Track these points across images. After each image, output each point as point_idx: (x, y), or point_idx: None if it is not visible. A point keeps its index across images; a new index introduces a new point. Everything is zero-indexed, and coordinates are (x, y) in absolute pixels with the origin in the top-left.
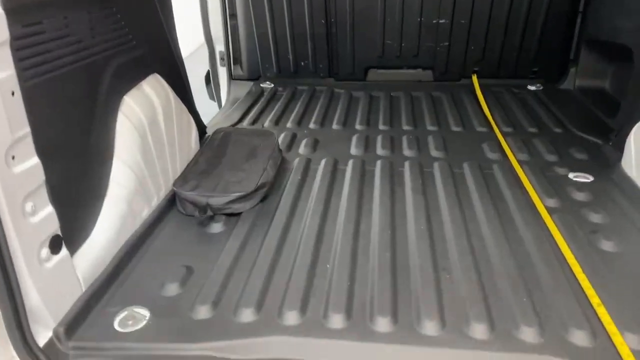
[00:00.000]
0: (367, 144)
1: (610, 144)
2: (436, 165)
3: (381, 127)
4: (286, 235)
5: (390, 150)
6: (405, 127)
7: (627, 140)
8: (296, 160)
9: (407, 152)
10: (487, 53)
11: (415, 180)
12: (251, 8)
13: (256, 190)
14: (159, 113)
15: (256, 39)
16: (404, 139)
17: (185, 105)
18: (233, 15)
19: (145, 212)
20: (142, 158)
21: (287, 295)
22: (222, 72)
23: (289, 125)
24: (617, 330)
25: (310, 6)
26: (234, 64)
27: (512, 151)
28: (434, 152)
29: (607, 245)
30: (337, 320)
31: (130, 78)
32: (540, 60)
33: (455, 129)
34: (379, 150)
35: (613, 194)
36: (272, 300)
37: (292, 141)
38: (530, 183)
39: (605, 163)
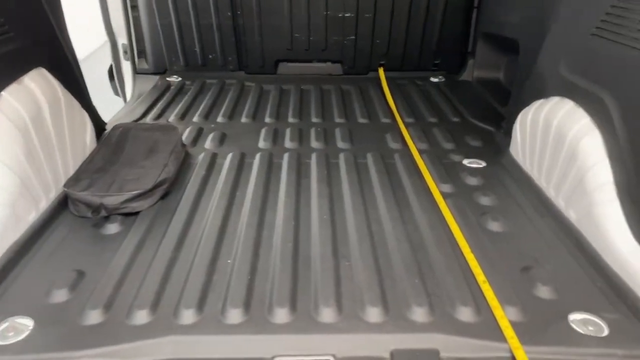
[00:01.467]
0: (276, 137)
1: (502, 131)
2: (342, 156)
3: (290, 120)
4: (187, 232)
5: (298, 142)
6: (314, 120)
7: (514, 127)
8: (201, 155)
9: (314, 144)
10: (391, 47)
11: (320, 171)
12: None
13: (155, 187)
14: (45, 110)
15: (160, 30)
16: (312, 132)
17: (79, 100)
18: (135, 7)
19: (32, 215)
20: (26, 158)
21: (184, 293)
22: (127, 66)
23: (195, 119)
24: (499, 304)
25: None
26: (138, 57)
27: (412, 141)
28: (341, 144)
29: (494, 226)
30: (234, 315)
31: (8, 72)
32: (441, 53)
33: (361, 120)
34: (287, 143)
35: (502, 178)
36: (168, 300)
37: (198, 135)
38: (428, 170)
39: (497, 149)
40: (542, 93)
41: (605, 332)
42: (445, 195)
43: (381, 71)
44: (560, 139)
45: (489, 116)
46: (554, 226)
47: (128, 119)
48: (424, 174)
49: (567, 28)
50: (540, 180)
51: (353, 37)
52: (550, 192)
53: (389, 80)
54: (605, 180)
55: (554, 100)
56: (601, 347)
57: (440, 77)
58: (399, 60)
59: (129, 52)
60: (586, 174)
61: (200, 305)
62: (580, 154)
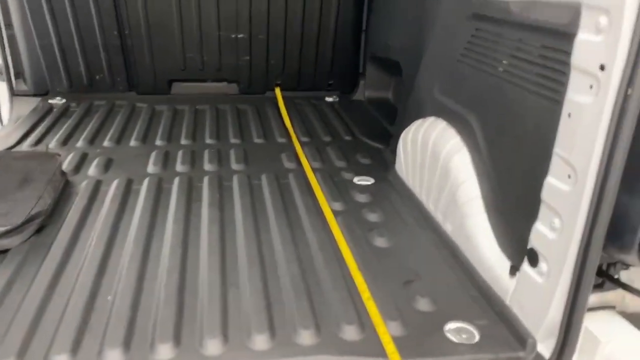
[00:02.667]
0: (167, 160)
1: (389, 148)
2: (236, 178)
3: (183, 142)
4: (63, 269)
5: (190, 165)
6: (209, 141)
7: (398, 145)
8: (84, 183)
9: (207, 166)
10: (287, 67)
11: (212, 195)
12: (29, 17)
13: (26, 222)
14: None
15: (39, 50)
16: (206, 154)
17: None
18: (9, 25)
19: None
20: None
21: (57, 337)
22: (2, 88)
23: (79, 144)
24: (382, 321)
25: (99, 16)
26: (15, 78)
27: (307, 160)
28: (235, 165)
29: (380, 242)
30: (113, 356)
31: None
32: (335, 74)
33: (257, 140)
34: (179, 167)
35: (388, 194)
36: (38, 346)
37: (82, 162)
38: (321, 189)
39: (385, 166)
40: (420, 113)
41: (477, 338)
42: (336, 214)
43: (278, 91)
44: (435, 157)
45: (378, 134)
46: (433, 239)
47: (1, 146)
48: (316, 192)
49: (439, 54)
50: (421, 195)
51: (247, 57)
52: (430, 207)
53: (286, 100)
54: (473, 195)
55: (430, 120)
56: (472, 354)
57: (334, 96)
58: (295, 81)
59: (4, 72)
60: (458, 190)
61: (74, 349)
62: (452, 171)
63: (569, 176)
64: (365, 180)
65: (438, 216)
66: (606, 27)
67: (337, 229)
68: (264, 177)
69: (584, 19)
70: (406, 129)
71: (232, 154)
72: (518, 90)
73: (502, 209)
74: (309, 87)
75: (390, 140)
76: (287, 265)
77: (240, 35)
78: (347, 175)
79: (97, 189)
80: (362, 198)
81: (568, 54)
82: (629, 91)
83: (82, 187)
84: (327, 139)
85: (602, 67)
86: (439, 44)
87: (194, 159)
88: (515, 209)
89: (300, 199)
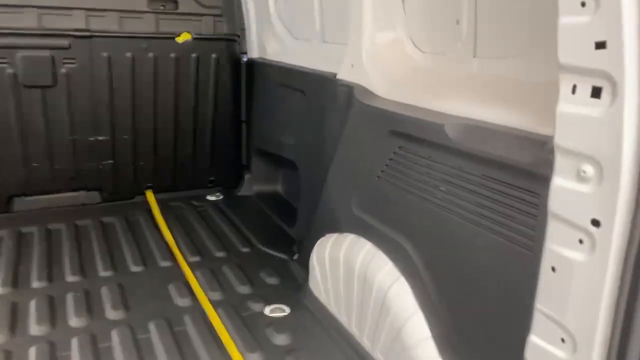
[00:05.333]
0: (14, 318)
1: (294, 258)
2: (115, 334)
3: (35, 284)
4: None
5: (49, 323)
6: (70, 279)
7: (310, 260)
8: None
9: (73, 321)
10: (159, 167)
11: None
12: None
13: None
14: None
15: None
16: (69, 300)
17: None
18: None
19: None
20: None
21: None
22: None
23: None
24: None
25: None
26: None
27: (203, 290)
28: (111, 314)
29: None
30: None
31: None
32: (216, 169)
33: (135, 269)
34: (33, 328)
35: (312, 330)
36: None
37: None
38: (229, 334)
39: (297, 285)
40: (334, 227)
41: None
42: None
43: (150, 195)
44: (367, 285)
45: (278, 241)
46: None
47: None
48: (224, 342)
49: (351, 167)
50: (351, 327)
51: (111, 161)
52: (365, 342)
53: (161, 204)
54: (423, 336)
55: (350, 237)
56: None
57: (217, 194)
58: (170, 181)
59: None
60: (402, 329)
61: None
62: (392, 306)
63: (563, 340)
64: (279, 311)
65: (378, 356)
66: (594, 178)
67: None
68: (152, 327)
69: (560, 162)
70: (319, 244)
71: (105, 296)
72: (465, 224)
73: (462, 354)
74: (187, 186)
75: (292, 246)
76: None
77: (100, 138)
78: (256, 307)
79: None
80: (281, 340)
81: (536, 195)
82: None
83: None
84: (221, 254)
85: (595, 223)
86: (350, 156)
87: (52, 312)
88: (478, 354)
89: (205, 353)
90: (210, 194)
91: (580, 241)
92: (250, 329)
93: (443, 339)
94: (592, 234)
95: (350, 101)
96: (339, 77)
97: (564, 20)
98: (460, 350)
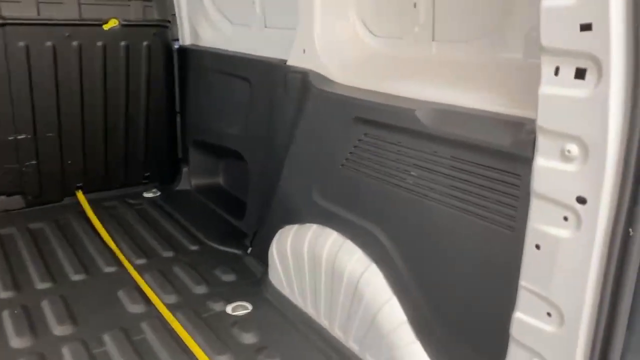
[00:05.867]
0: None
1: (249, 252)
2: (66, 352)
3: None
4: None
5: None
6: (3, 295)
7: (270, 253)
8: None
9: (15, 342)
10: (89, 165)
11: None
12: None
13: None
14: None
15: None
16: (5, 318)
17: None
18: None
19: None
20: None
21: None
22: None
23: None
24: None
25: None
26: None
27: (157, 295)
28: (58, 329)
29: None
30: None
31: None
32: (150, 163)
33: (76, 277)
34: None
35: (278, 325)
36: None
37: None
38: (193, 338)
39: (255, 281)
40: (294, 218)
41: None
42: None
43: (80, 195)
44: (336, 275)
45: (227, 235)
46: None
47: None
48: (190, 347)
49: (311, 156)
50: (321, 319)
51: (34, 161)
52: (337, 333)
53: (93, 204)
54: (399, 321)
55: (313, 227)
56: None
57: (154, 190)
58: (101, 179)
59: None
60: (377, 316)
61: None
62: (365, 294)
63: (549, 314)
64: (242, 308)
65: (352, 346)
66: (579, 157)
67: None
68: (107, 339)
69: (543, 143)
70: (278, 236)
71: (47, 310)
72: (440, 207)
73: (440, 337)
74: (121, 183)
75: (244, 240)
76: None
77: (21, 136)
78: (216, 306)
79: None
80: (249, 338)
81: (517, 176)
82: (631, 232)
83: None
84: (169, 254)
85: (581, 200)
86: (309, 145)
87: None
88: (459, 335)
89: None
90: (146, 190)
91: (565, 218)
92: (215, 330)
93: (420, 322)
94: (578, 211)
95: (305, 88)
96: (289, 63)
97: (547, 3)
98: (439, 332)
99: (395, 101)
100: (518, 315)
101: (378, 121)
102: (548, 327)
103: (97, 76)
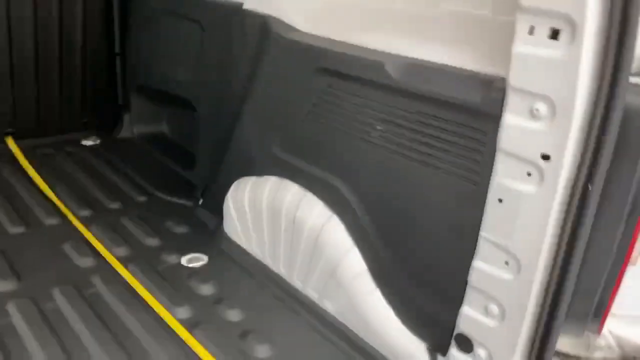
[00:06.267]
0: None
1: (200, 203)
2: (12, 308)
3: None
4: None
5: None
6: None
7: (225, 205)
8: None
9: None
10: (19, 110)
11: None
12: None
13: None
14: None
15: None
16: None
17: None
18: None
19: None
20: None
21: None
22: None
23: None
24: None
25: None
26: None
27: (106, 248)
28: (2, 286)
29: (260, 351)
30: None
31: None
32: (89, 109)
33: (14, 230)
34: None
35: (237, 276)
36: None
37: None
38: (149, 291)
39: (209, 232)
40: (250, 170)
41: None
42: (188, 324)
43: (11, 142)
44: (296, 226)
45: (176, 186)
46: (312, 321)
47: None
48: (146, 299)
49: (271, 106)
50: (279, 269)
51: None
52: (295, 282)
53: (26, 151)
54: (358, 270)
55: (272, 180)
56: None
57: (94, 138)
58: (34, 124)
59: None
60: (338, 266)
61: None
62: (326, 245)
63: (507, 263)
64: (197, 260)
65: (310, 293)
66: (547, 115)
67: (202, 350)
68: (56, 294)
69: (512, 102)
70: (234, 187)
71: None
72: (404, 161)
73: (401, 285)
74: (57, 130)
75: (195, 191)
76: None
77: None
78: (170, 259)
79: None
80: (206, 290)
81: (483, 132)
82: (590, 187)
83: None
84: (115, 205)
85: (545, 157)
86: (269, 95)
87: None
88: (418, 284)
89: (129, 317)
90: (85, 138)
91: (529, 174)
92: (171, 283)
93: (381, 271)
94: (541, 167)
95: (265, 34)
96: (246, 7)
97: None
98: (399, 280)
99: (362, 53)
100: (477, 263)
101: (344, 73)
102: (505, 274)
103: (27, 9)
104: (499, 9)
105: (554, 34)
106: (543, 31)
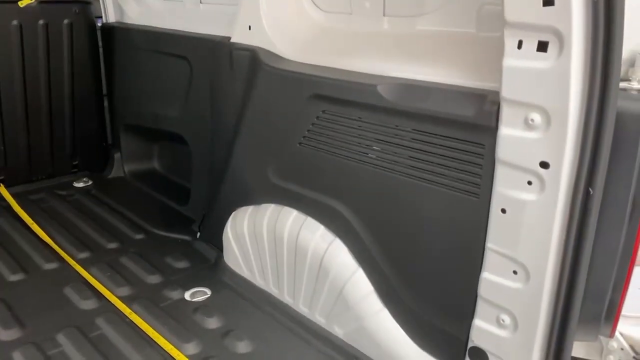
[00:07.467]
0: None
1: (198, 237)
2: (18, 356)
3: None
4: None
5: None
6: None
7: (225, 236)
8: None
9: None
10: (10, 156)
11: None
12: None
13: None
14: None
15: None
16: None
17: None
18: None
19: None
20: None
21: None
22: None
23: None
24: None
25: None
26: None
27: (108, 288)
28: (4, 335)
29: None
30: None
31: None
32: (78, 151)
33: (14, 278)
34: None
35: (242, 307)
36: None
37: None
38: (155, 329)
39: (210, 265)
40: (250, 199)
41: None
42: (197, 359)
43: (2, 189)
44: (299, 252)
45: (172, 221)
46: (322, 347)
47: None
48: (155, 338)
49: (264, 135)
50: (284, 297)
51: None
52: (302, 309)
53: (18, 198)
54: (366, 291)
55: (270, 208)
56: None
57: (85, 179)
58: (25, 171)
59: None
60: (344, 288)
61: None
62: (330, 268)
63: (515, 272)
64: (201, 294)
65: (318, 319)
66: (542, 124)
67: None
68: (61, 339)
69: (507, 114)
70: (233, 218)
71: None
72: (404, 179)
73: (408, 303)
74: (47, 174)
75: (192, 225)
76: None
77: None
78: (173, 294)
79: None
80: (213, 323)
81: (481, 145)
82: (591, 191)
83: None
84: (114, 245)
85: (544, 165)
86: (262, 124)
87: None
88: (427, 301)
89: (137, 356)
90: (77, 180)
91: (530, 182)
92: (177, 319)
93: (388, 290)
94: (541, 175)
95: (255, 66)
96: (234, 40)
97: None
98: (407, 298)
99: (354, 77)
100: (485, 275)
101: (337, 97)
102: (514, 284)
103: (14, 58)
104: (483, 26)
105: (542, 46)
106: (531, 44)
